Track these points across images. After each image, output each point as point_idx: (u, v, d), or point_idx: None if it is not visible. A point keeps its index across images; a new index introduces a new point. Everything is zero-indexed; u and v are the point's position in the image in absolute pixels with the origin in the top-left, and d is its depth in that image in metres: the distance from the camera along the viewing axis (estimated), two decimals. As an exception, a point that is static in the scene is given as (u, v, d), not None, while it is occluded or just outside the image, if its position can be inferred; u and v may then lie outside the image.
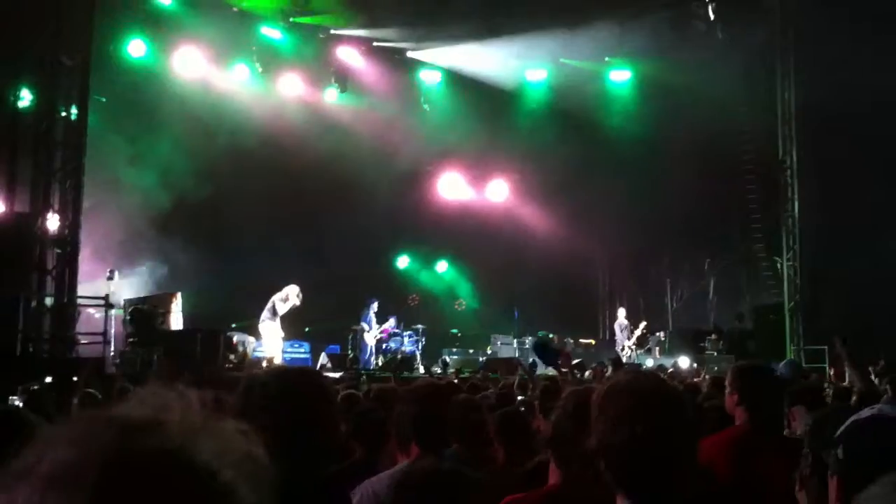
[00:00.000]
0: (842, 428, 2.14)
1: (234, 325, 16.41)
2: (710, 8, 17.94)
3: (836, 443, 2.09)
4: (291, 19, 19.06)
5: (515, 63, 20.76)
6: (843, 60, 16.51)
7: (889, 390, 10.08)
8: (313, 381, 2.51)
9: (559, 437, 3.05)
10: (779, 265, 19.95)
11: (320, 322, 18.15)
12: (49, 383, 8.85)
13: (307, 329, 17.86)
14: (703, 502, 2.49)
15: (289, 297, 15.52)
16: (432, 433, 3.54)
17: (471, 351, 19.44)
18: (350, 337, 18.14)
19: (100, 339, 14.26)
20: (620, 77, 21.11)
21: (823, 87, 17.72)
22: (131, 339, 14.25)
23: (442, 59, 20.83)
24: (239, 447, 0.83)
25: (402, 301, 19.33)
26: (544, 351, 16.59)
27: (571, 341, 18.37)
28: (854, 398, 5.78)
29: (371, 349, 17.81)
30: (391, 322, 18.21)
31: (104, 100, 16.17)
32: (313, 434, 2.29)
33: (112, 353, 14.66)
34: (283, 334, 15.95)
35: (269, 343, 15.49)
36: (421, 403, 3.67)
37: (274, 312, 15.48)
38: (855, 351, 6.34)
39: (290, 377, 2.53)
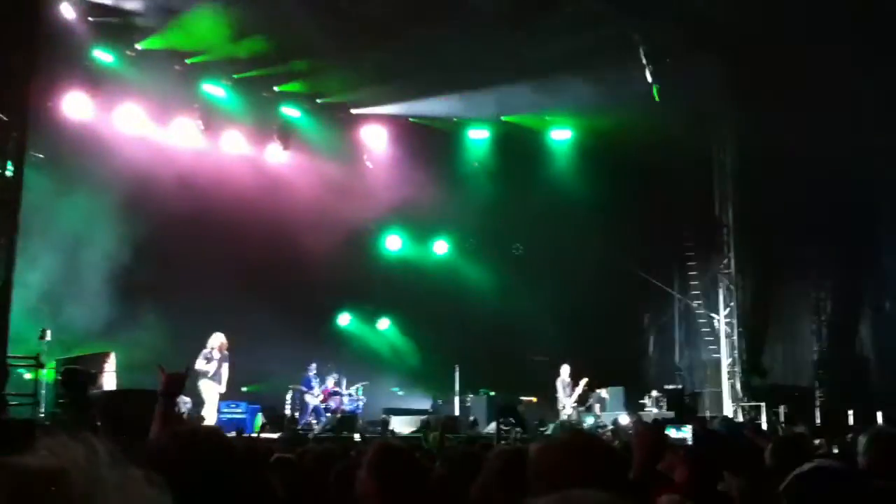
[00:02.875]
0: (786, 481, 2.16)
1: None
2: (647, 70, 18.41)
3: (780, 495, 2.11)
4: (234, 76, 19.09)
5: (458, 121, 21.06)
6: (778, 122, 17.01)
7: (825, 445, 10.24)
8: (216, 444, 2.33)
9: (485, 499, 2.99)
10: (715, 322, 20.27)
11: (259, 381, 17.88)
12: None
13: (245, 388, 17.55)
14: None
15: (211, 351, 15.32)
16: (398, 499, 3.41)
17: (412, 409, 19.28)
18: (290, 397, 17.90)
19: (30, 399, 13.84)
20: (561, 136, 21.47)
21: (759, 148, 18.25)
22: (62, 401, 13.85)
23: (385, 116, 20.98)
24: (145, 497, 0.78)
25: (342, 359, 19.15)
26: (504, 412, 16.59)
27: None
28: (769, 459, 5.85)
29: (310, 410, 17.60)
30: (331, 380, 18.04)
31: (42, 156, 15.91)
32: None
33: (42, 415, 14.21)
34: (223, 390, 15.66)
35: (205, 402, 15.19)
36: (383, 468, 3.56)
37: (206, 370, 15.24)
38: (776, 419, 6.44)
39: (192, 441, 2.35)
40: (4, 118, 14.24)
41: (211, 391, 15.31)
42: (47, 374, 14.54)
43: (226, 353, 15.46)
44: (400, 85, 19.36)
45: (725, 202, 20.33)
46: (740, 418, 17.93)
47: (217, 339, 15.41)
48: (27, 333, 14.99)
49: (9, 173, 14.38)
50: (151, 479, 0.82)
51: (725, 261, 20.26)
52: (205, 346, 15.45)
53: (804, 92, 16.51)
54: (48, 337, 15.09)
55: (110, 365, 15.39)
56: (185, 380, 4.15)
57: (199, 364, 15.24)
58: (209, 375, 15.30)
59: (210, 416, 15.01)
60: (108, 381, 15.21)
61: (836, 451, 9.38)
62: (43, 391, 14.48)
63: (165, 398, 3.89)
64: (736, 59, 17.77)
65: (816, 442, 10.67)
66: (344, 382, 18.22)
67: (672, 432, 12.51)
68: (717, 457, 5.06)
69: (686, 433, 13.25)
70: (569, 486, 2.17)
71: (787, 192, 18.00)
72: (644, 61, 17.97)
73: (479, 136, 21.63)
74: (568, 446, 2.29)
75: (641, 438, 3.28)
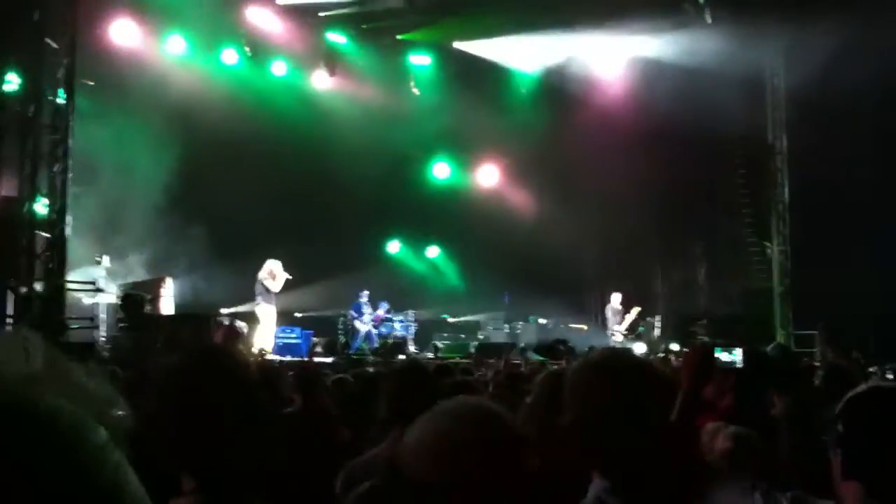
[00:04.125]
0: (841, 403, 2.12)
1: (224, 312, 16.36)
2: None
3: (835, 419, 2.08)
4: (280, 2, 18.94)
5: (507, 48, 20.68)
6: (832, 45, 16.46)
7: (878, 372, 10.14)
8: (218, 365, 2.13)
9: (531, 418, 3.01)
10: (767, 250, 19.98)
11: (311, 307, 18.13)
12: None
13: (298, 314, 17.83)
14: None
15: (274, 272, 15.52)
16: (408, 412, 3.41)
17: (462, 336, 19.45)
18: (341, 323, 18.16)
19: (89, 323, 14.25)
20: (608, 63, 20.93)
21: (812, 71, 17.69)
22: (122, 325, 14.21)
23: (432, 42, 20.69)
24: (89, 391, 0.76)
25: (392, 286, 19.31)
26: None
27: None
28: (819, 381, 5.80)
29: (362, 336, 17.81)
30: (382, 308, 18.21)
31: (92, 83, 16.04)
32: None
33: (103, 338, 14.63)
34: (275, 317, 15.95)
35: (263, 328, 15.44)
36: (399, 381, 3.62)
37: (267, 292, 15.46)
38: (836, 336, 6.40)
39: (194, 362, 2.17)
40: (54, 45, 14.35)
41: (268, 316, 15.57)
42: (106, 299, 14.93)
43: (280, 278, 15.70)
44: (448, 12, 19.10)
45: (779, 128, 19.84)
46: (793, 346, 17.75)
47: (277, 263, 15.65)
48: (84, 259, 15.33)
49: (60, 100, 14.56)
50: (93, 372, 0.80)
51: (778, 188, 19.87)
52: (261, 270, 15.66)
53: (860, 9, 15.92)
54: (106, 262, 15.41)
55: (167, 290, 15.72)
56: (239, 339, 4.21)
57: (269, 284, 15.42)
58: (266, 300, 15.53)
59: (267, 340, 15.29)
60: (166, 305, 15.56)
61: (889, 376, 9.29)
62: (102, 315, 14.87)
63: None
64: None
65: (871, 369, 10.56)
66: (384, 309, 18.32)
67: (723, 356, 12.40)
68: (767, 380, 5.01)
69: (736, 356, 13.15)
70: (602, 405, 2.13)
71: (841, 117, 17.48)
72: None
73: (527, 64, 21.21)
74: (601, 364, 2.24)
75: (689, 358, 3.23)
